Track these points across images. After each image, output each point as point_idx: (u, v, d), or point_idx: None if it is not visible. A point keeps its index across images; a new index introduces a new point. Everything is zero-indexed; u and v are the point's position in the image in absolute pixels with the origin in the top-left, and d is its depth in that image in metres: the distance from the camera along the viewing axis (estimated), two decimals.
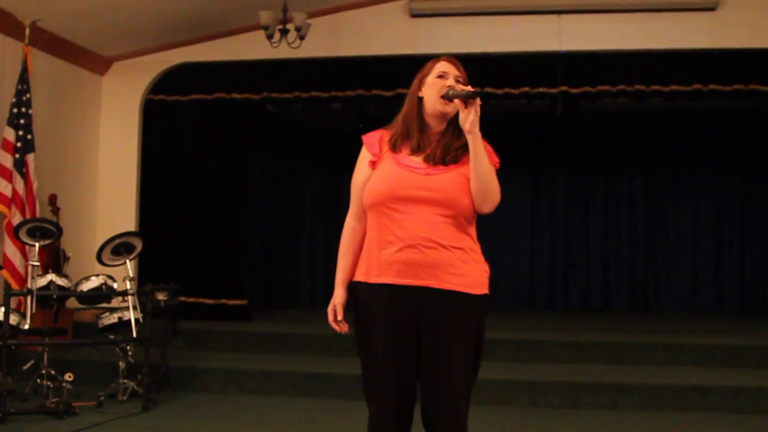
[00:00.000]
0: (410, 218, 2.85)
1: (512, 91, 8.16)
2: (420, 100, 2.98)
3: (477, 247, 2.97)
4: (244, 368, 6.55)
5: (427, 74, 2.99)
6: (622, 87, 8.00)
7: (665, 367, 6.60)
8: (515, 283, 11.52)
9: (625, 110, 9.32)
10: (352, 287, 3.02)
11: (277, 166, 10.60)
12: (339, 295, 3.04)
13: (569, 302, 11.47)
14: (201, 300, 8.37)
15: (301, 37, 7.47)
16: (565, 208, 11.61)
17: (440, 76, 2.96)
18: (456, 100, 2.84)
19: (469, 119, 2.81)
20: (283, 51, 7.58)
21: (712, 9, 7.85)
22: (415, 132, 2.97)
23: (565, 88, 8.05)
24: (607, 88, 8.04)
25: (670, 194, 11.36)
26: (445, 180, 2.87)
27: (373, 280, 2.92)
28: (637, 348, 6.89)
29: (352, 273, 3.02)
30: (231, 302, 8.47)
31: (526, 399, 6.00)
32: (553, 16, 8.08)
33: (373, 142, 3.03)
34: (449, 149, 2.92)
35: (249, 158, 9.24)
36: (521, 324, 8.71)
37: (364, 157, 3.03)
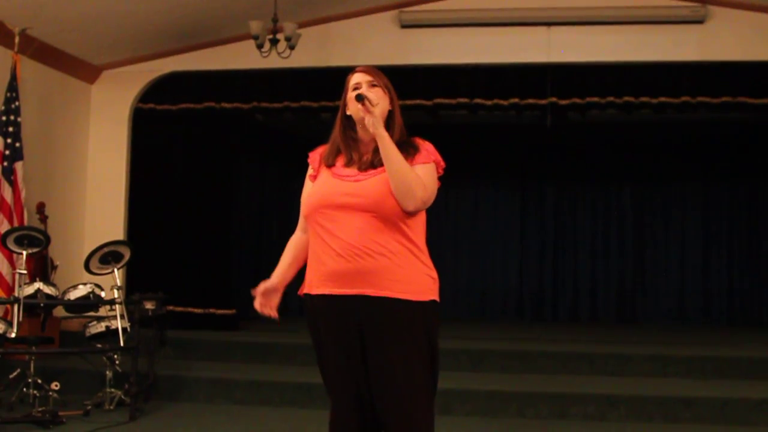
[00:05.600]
0: (342, 227, 2.85)
1: (502, 102, 8.19)
2: (348, 117, 3.00)
3: (421, 252, 2.92)
4: (232, 378, 6.53)
5: (347, 92, 3.02)
6: (610, 99, 8.04)
7: (653, 379, 6.61)
8: (504, 294, 11.54)
9: (613, 122, 9.36)
10: (303, 300, 3.04)
11: (266, 176, 10.60)
12: (270, 280, 3.12)
13: (557, 313, 11.48)
14: (189, 309, 8.35)
15: (291, 47, 7.48)
16: (554, 219, 11.63)
17: (355, 89, 2.98)
18: (360, 106, 2.88)
19: (370, 122, 2.85)
20: (273, 61, 7.59)
21: (700, 22, 7.90)
22: (344, 149, 3.00)
23: (554, 99, 8.09)
24: (596, 99, 8.08)
25: (658, 205, 11.40)
26: (372, 184, 2.87)
27: (314, 291, 2.94)
28: (625, 359, 6.89)
29: (289, 268, 3.12)
30: (219, 311, 8.45)
31: (514, 410, 5.99)
32: (543, 28, 8.11)
33: (315, 157, 3.09)
34: (378, 153, 2.91)
35: (238, 167, 9.24)
36: (509, 335, 8.72)
37: (308, 172, 3.09)
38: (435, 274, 2.95)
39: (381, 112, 2.91)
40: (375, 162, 2.91)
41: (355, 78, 3.01)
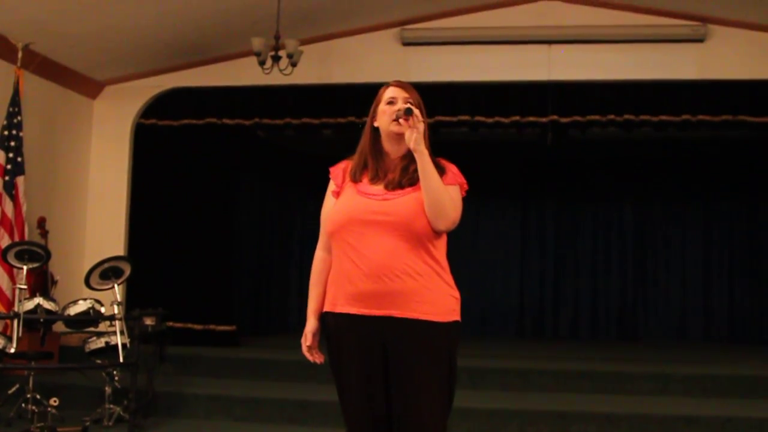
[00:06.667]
0: (370, 246, 2.84)
1: (503, 119, 8.21)
2: (375, 130, 3.01)
3: (445, 272, 2.93)
4: (232, 394, 6.50)
5: (379, 103, 3.02)
6: (611, 117, 8.06)
7: (654, 397, 6.59)
8: (504, 311, 11.50)
9: (614, 139, 9.37)
10: (323, 317, 3.02)
11: (267, 192, 10.60)
12: (309, 324, 3.05)
13: (558, 331, 11.45)
14: (189, 325, 8.32)
15: (293, 64, 7.50)
16: (555, 237, 11.62)
17: (390, 102, 2.98)
18: (402, 122, 2.87)
19: (413, 137, 2.83)
20: (274, 77, 7.60)
21: (700, 40, 7.94)
22: (371, 161, 2.99)
23: (555, 117, 8.10)
24: (597, 117, 8.09)
25: (659, 223, 11.39)
26: (401, 203, 2.87)
27: (339, 309, 2.92)
28: (625, 377, 6.87)
29: (323, 303, 3.02)
30: (219, 328, 8.43)
31: (514, 428, 5.96)
32: (544, 46, 8.15)
33: (338, 173, 3.07)
34: (407, 172, 2.93)
35: (239, 184, 9.24)
36: (510, 352, 8.69)
37: (330, 188, 3.07)
38: (457, 294, 2.96)
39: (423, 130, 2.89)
40: (403, 182, 2.91)
41: (391, 92, 3.00)
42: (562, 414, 5.99)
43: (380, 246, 2.83)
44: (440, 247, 2.94)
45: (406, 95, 2.98)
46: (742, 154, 10.37)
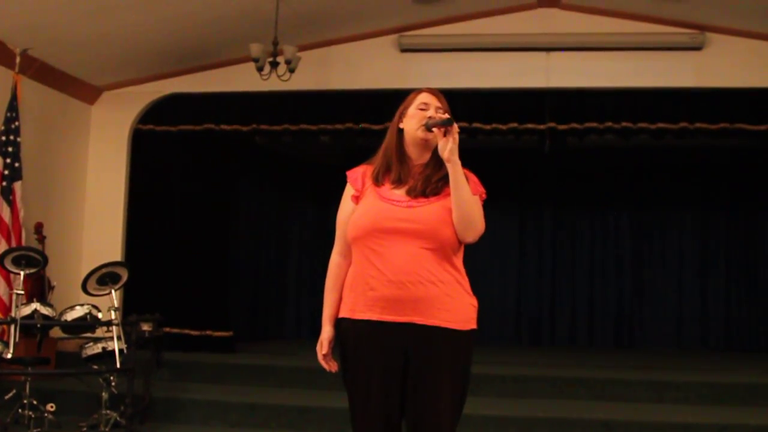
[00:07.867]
0: (394, 252, 2.83)
1: (500, 126, 8.21)
2: (400, 131, 3.00)
3: (464, 280, 2.94)
4: (228, 400, 6.49)
5: (408, 106, 3.01)
6: (609, 124, 8.07)
7: (651, 404, 6.58)
8: (502, 318, 11.48)
9: (612, 147, 9.37)
10: (338, 323, 3.00)
11: (264, 198, 10.60)
12: (326, 332, 3.02)
13: (555, 338, 11.44)
14: (186, 331, 8.32)
15: (291, 70, 7.51)
16: (552, 244, 11.61)
17: (421, 108, 2.97)
18: (435, 130, 2.85)
19: (448, 147, 2.82)
20: (272, 83, 7.61)
21: (698, 48, 7.96)
22: (395, 164, 2.98)
23: (552, 124, 8.11)
24: (595, 125, 8.10)
25: (656, 231, 11.39)
26: (427, 212, 2.86)
27: (358, 316, 2.89)
28: (622, 384, 6.87)
29: (339, 309, 3.00)
30: (216, 334, 8.42)
31: None
32: (542, 53, 8.16)
33: (356, 177, 3.04)
34: (430, 181, 2.92)
35: (237, 189, 9.24)
36: (507, 359, 8.68)
37: (348, 192, 3.04)
38: (475, 302, 2.99)
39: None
40: (427, 191, 2.90)
41: (424, 98, 3.00)
42: (559, 421, 5.99)
43: (405, 252, 2.82)
44: (460, 255, 2.95)
45: (439, 104, 2.98)
46: (739, 162, 10.39)
